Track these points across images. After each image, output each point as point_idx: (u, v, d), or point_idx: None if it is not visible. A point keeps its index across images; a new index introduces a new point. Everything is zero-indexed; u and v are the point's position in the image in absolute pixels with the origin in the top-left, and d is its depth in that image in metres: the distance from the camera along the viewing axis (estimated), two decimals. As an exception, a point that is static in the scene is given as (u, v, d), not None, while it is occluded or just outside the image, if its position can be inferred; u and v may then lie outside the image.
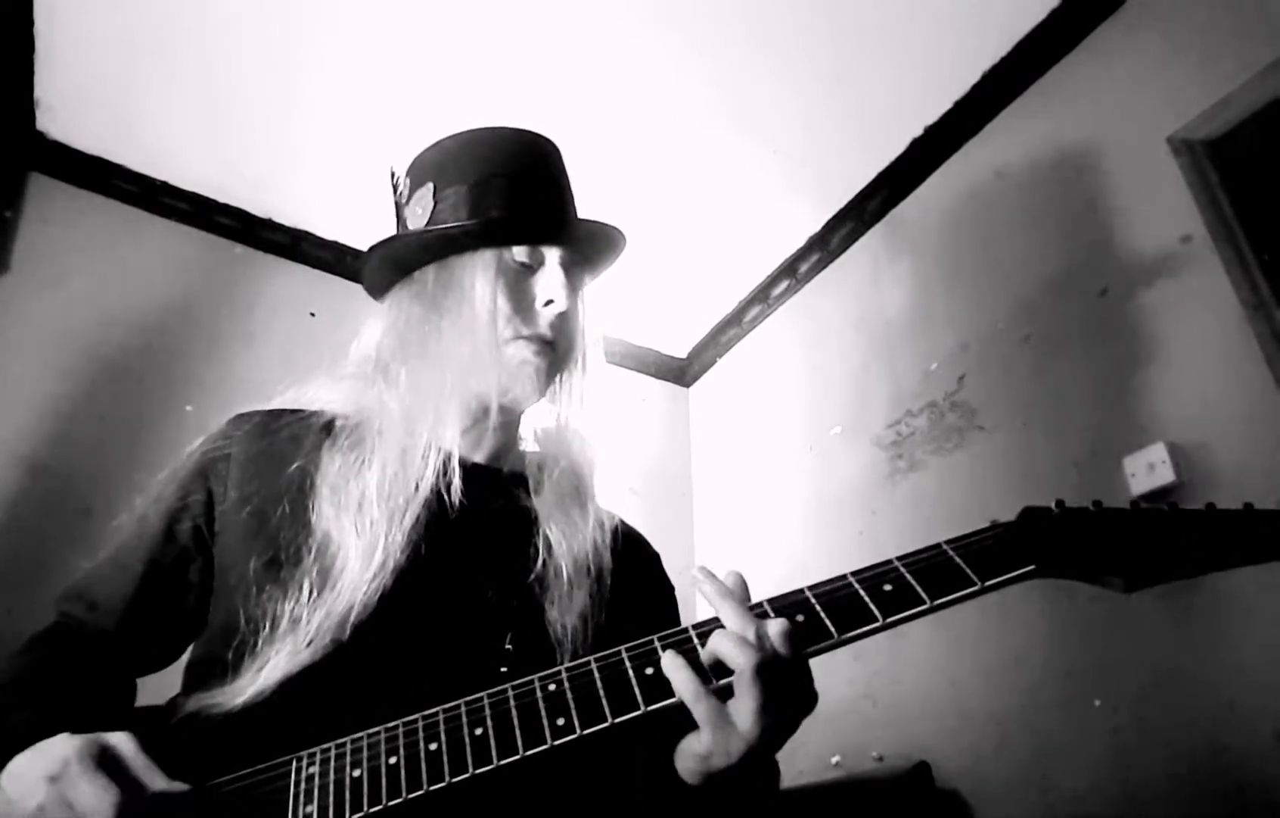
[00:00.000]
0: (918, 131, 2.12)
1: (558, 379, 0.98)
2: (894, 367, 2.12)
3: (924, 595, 0.67)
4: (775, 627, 0.64)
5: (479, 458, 0.94)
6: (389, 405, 0.87)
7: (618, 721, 0.65)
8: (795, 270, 2.55)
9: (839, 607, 0.68)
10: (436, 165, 0.97)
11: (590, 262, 1.02)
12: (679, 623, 0.92)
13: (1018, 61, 1.91)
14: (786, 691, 0.63)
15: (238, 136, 2.13)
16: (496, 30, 1.87)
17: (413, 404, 0.87)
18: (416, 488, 0.83)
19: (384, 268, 0.97)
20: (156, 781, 0.63)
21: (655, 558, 1.03)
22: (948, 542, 0.71)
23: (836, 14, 1.83)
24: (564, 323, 0.93)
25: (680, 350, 2.99)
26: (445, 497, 0.84)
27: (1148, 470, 1.44)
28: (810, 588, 0.70)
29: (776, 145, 2.17)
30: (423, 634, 0.79)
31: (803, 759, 1.99)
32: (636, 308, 2.75)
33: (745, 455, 2.64)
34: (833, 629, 0.66)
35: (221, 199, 2.31)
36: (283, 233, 2.39)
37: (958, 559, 0.69)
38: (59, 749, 0.63)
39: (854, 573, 0.71)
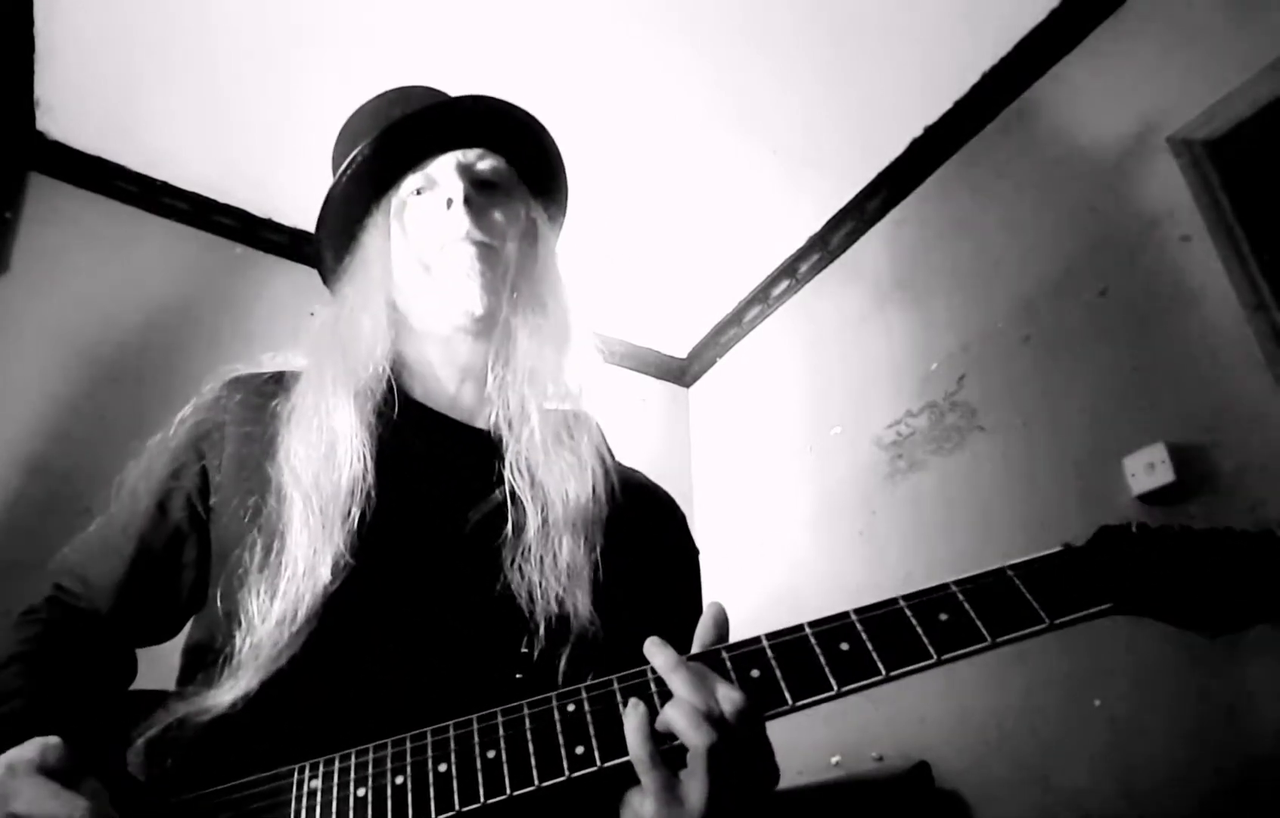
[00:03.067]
0: (918, 131, 2.12)
1: (520, 302, 0.89)
2: (894, 367, 2.12)
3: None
4: (730, 700, 0.58)
5: (459, 415, 0.88)
6: (311, 384, 0.83)
7: None
8: (795, 270, 2.55)
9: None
10: (332, 159, 0.96)
11: (516, 161, 0.93)
12: (698, 598, 0.86)
13: (1018, 61, 1.91)
14: (741, 768, 0.58)
15: (238, 136, 2.13)
16: (498, 31, 1.87)
17: (324, 384, 0.82)
18: (339, 475, 0.76)
19: (331, 281, 0.97)
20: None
21: (681, 522, 0.94)
22: (1011, 567, 0.62)
23: (836, 14, 1.83)
24: (480, 215, 0.85)
25: (680, 350, 2.99)
26: (413, 450, 0.80)
27: (1148, 470, 1.44)
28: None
29: (776, 145, 2.17)
30: (411, 619, 0.74)
31: (802, 759, 1.99)
32: (636, 308, 2.75)
33: (745, 455, 2.64)
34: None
35: (221, 199, 2.31)
36: (283, 233, 2.39)
37: (1023, 588, 0.61)
38: (13, 755, 0.60)
39: (905, 597, 0.62)
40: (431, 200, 0.86)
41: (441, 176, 0.87)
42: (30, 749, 0.60)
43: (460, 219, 0.83)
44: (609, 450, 0.91)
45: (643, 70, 1.97)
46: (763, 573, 2.37)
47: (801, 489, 2.33)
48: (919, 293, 2.12)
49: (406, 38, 1.88)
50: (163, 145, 2.16)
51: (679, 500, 0.99)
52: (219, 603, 0.74)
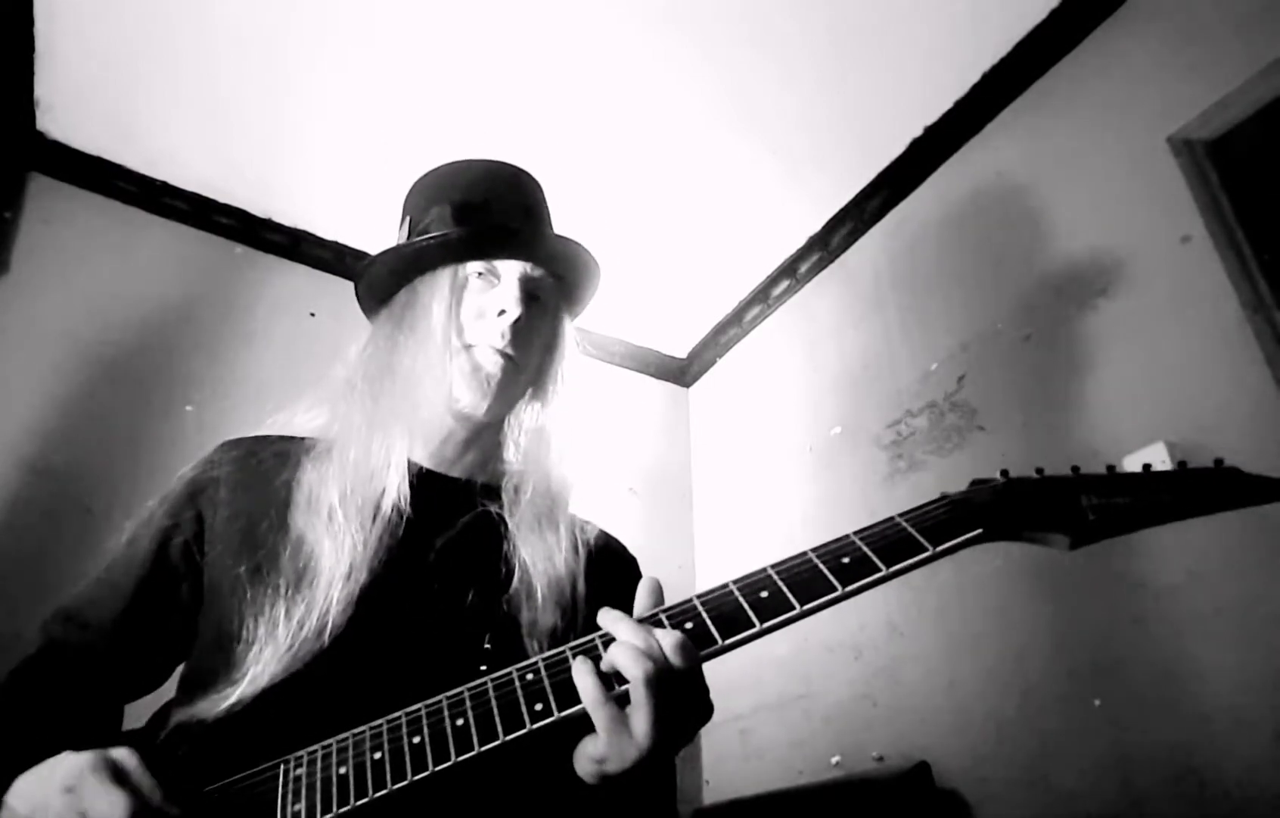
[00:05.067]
0: (918, 131, 2.12)
1: (532, 393, 1.01)
2: (894, 367, 2.12)
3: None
4: (668, 638, 0.66)
5: (457, 472, 0.97)
6: (354, 419, 0.91)
7: None
8: (795, 270, 2.55)
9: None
10: (413, 198, 1.03)
11: (564, 283, 1.04)
12: None
13: (1018, 62, 1.91)
14: (679, 700, 0.66)
15: (238, 137, 2.13)
16: (498, 32, 1.87)
17: (373, 415, 0.91)
18: (380, 495, 0.86)
19: (368, 296, 1.03)
20: (158, 796, 0.65)
21: (630, 564, 1.04)
22: (900, 515, 0.74)
23: (836, 14, 1.83)
24: (520, 334, 0.94)
25: (680, 350, 2.99)
26: (409, 506, 0.87)
27: (1148, 470, 1.44)
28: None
29: (776, 145, 2.17)
30: (403, 635, 0.81)
31: (803, 759, 1.99)
32: (636, 308, 2.75)
33: (745, 455, 2.64)
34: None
35: (221, 199, 2.31)
36: (283, 233, 2.39)
37: (910, 528, 0.72)
38: (72, 762, 0.65)
39: (814, 549, 0.73)
40: (487, 297, 0.95)
41: (505, 278, 0.96)
42: (85, 755, 0.65)
43: (505, 332, 0.93)
44: (582, 521, 1.01)
45: (643, 70, 1.97)
46: (763, 573, 2.37)
47: (801, 489, 2.33)
48: (919, 293, 2.12)
49: (407, 38, 1.88)
50: (163, 145, 2.16)
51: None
52: (231, 617, 0.79)
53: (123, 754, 0.66)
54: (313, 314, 2.36)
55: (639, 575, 1.01)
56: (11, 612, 1.65)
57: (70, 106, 2.05)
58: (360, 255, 2.41)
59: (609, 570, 0.98)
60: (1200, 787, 1.28)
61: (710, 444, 2.86)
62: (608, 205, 2.31)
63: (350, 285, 1.05)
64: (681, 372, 3.02)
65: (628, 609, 0.75)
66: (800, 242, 2.48)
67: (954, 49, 1.92)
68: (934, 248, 2.11)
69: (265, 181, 2.27)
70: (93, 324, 2.05)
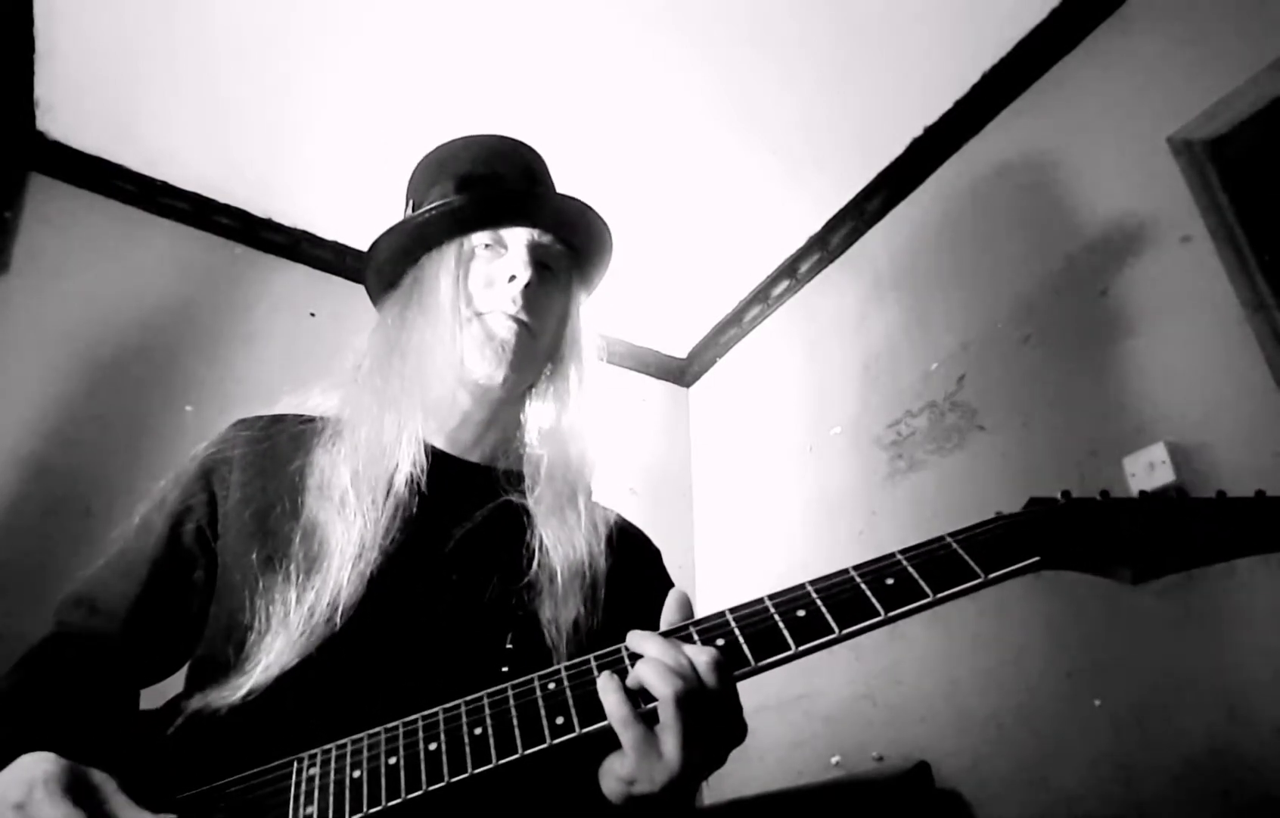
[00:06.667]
0: (918, 131, 2.12)
1: (550, 373, 0.98)
2: (894, 367, 2.12)
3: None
4: (701, 655, 0.63)
5: (476, 457, 0.95)
6: (364, 399, 0.90)
7: None
8: (795, 270, 2.55)
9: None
10: (415, 180, 1.02)
11: (574, 250, 1.02)
12: None
13: (1018, 61, 1.91)
14: (711, 721, 0.62)
15: (237, 137, 2.13)
16: (498, 31, 1.87)
17: (384, 393, 0.89)
18: (393, 471, 0.84)
19: (375, 280, 1.01)
20: (131, 814, 0.61)
21: (655, 556, 1.02)
22: (951, 534, 0.70)
23: (837, 14, 1.83)
24: (532, 300, 0.92)
25: (680, 350, 2.99)
26: (426, 490, 0.86)
27: (1148, 470, 1.44)
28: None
29: (776, 145, 2.17)
30: (417, 622, 0.79)
31: (803, 759, 1.99)
32: (636, 308, 2.75)
33: (745, 455, 2.64)
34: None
35: (221, 199, 2.31)
36: (283, 233, 2.39)
37: (960, 551, 0.68)
38: (28, 773, 0.60)
39: (856, 567, 0.70)
40: (497, 265, 0.93)
41: (513, 246, 0.94)
42: (45, 763, 0.61)
43: (516, 297, 0.91)
44: (601, 507, 0.99)
45: (643, 70, 1.97)
46: (762, 573, 2.37)
47: (801, 489, 2.33)
48: (919, 293, 2.12)
49: (407, 38, 1.88)
50: (163, 145, 2.16)
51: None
52: (242, 606, 0.77)
53: (98, 775, 0.62)
54: (313, 314, 2.36)
55: (663, 567, 1.00)
56: (12, 612, 1.65)
57: (70, 106, 2.05)
58: (360, 255, 2.41)
59: (630, 551, 0.96)
60: (1200, 787, 1.28)
61: (710, 444, 2.85)
62: (608, 205, 2.29)
63: (351, 285, 1.05)
64: (681, 372, 3.02)
65: (649, 593, 0.71)
66: (800, 242, 2.48)
67: (954, 49, 1.92)
68: (934, 248, 2.11)
69: (265, 181, 2.27)
70: (93, 324, 2.05)
